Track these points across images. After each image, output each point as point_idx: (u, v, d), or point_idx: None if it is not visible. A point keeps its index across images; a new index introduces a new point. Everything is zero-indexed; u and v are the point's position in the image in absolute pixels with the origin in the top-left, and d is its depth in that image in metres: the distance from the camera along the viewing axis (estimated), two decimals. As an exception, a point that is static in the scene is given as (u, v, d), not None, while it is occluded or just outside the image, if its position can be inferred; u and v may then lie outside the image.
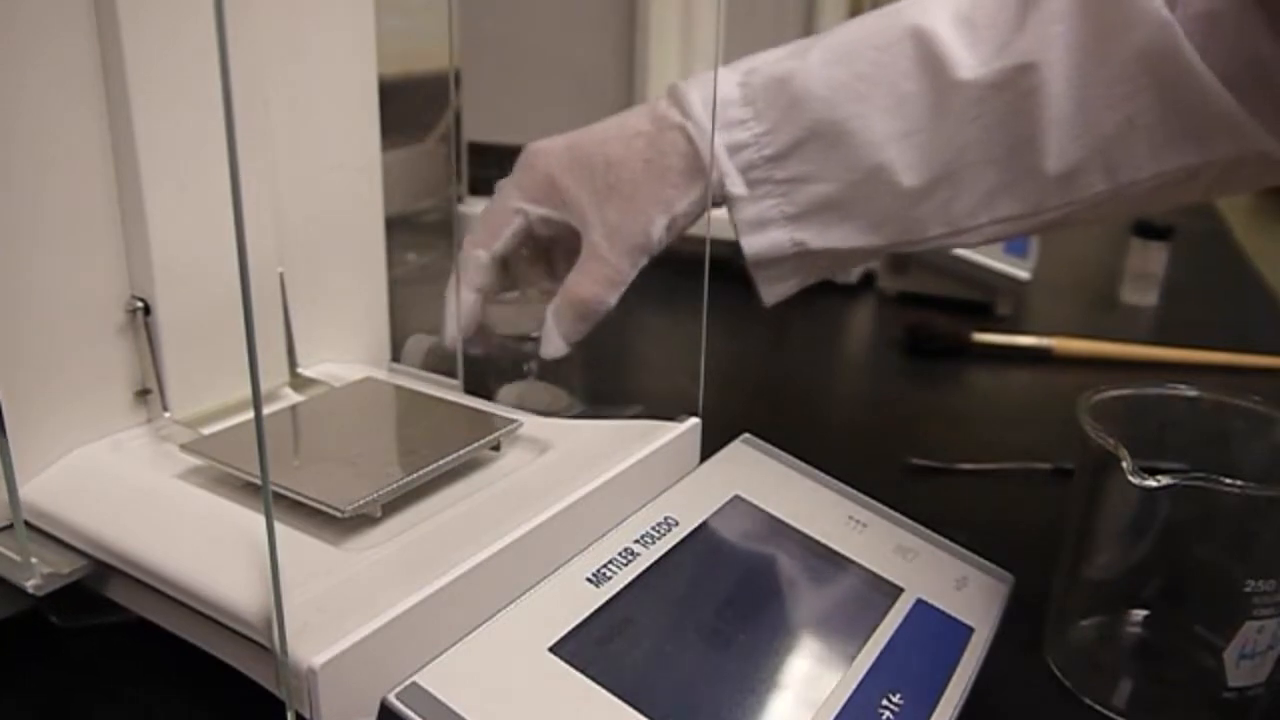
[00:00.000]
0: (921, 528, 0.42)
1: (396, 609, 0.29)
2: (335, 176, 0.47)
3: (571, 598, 0.33)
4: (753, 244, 0.48)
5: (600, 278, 0.47)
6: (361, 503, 0.35)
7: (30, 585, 0.34)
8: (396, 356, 0.53)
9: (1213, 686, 0.36)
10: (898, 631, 0.36)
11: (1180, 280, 0.89)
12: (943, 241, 0.47)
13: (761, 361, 0.76)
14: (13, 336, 0.36)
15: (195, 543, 0.34)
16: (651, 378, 0.72)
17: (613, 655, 0.31)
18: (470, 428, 0.41)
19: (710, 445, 0.43)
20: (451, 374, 0.48)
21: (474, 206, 0.88)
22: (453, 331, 0.49)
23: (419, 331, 0.55)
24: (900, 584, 0.38)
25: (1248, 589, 0.35)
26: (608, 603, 0.33)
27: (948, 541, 0.42)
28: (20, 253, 0.36)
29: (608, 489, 0.37)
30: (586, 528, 0.36)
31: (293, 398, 0.46)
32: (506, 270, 0.52)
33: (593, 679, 0.30)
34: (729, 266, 0.87)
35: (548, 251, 0.53)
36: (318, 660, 0.28)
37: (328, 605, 0.30)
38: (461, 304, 0.49)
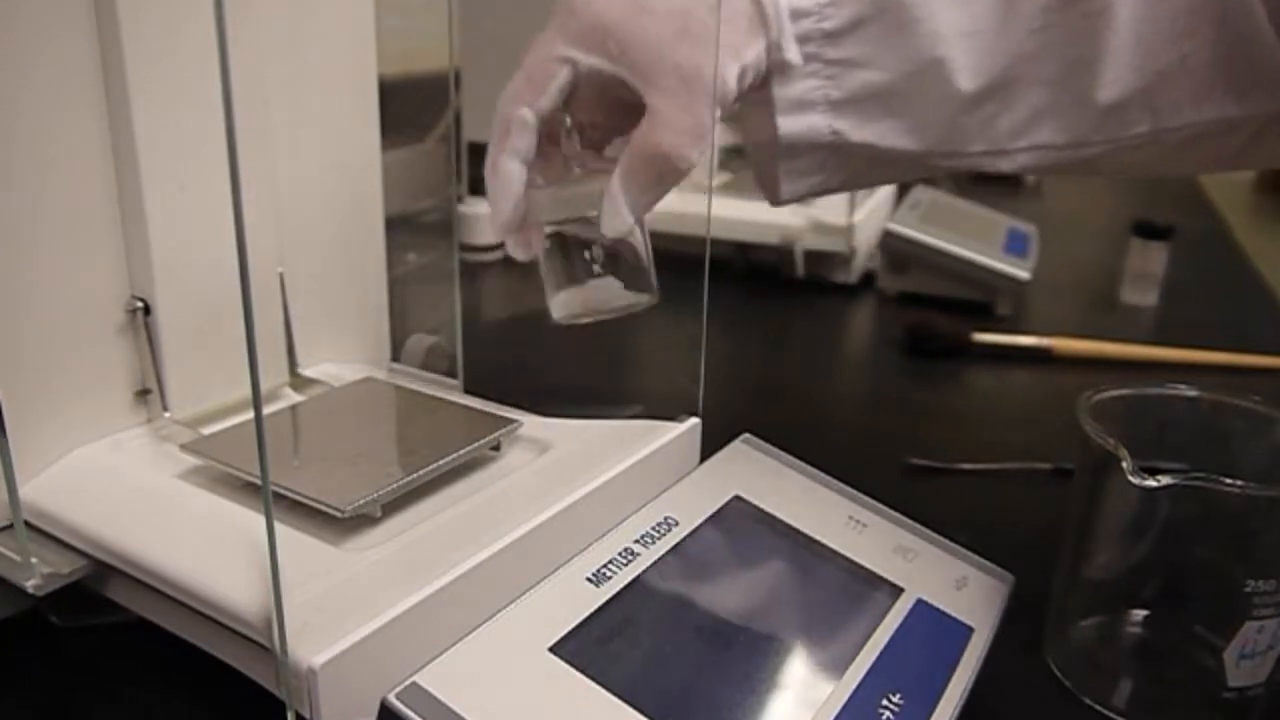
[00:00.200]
0: (921, 528, 0.42)
1: (396, 609, 0.29)
2: (335, 176, 0.47)
3: (571, 598, 0.33)
4: (788, 125, 0.45)
5: (682, 126, 0.41)
6: (361, 503, 0.35)
7: (30, 585, 0.34)
8: (396, 356, 0.53)
9: (1213, 686, 0.36)
10: (898, 631, 0.36)
11: (1180, 280, 0.89)
12: (978, 160, 0.46)
13: (761, 361, 0.76)
14: (13, 336, 0.36)
15: (195, 543, 0.34)
16: (651, 378, 0.72)
17: (613, 655, 0.31)
18: (470, 428, 0.41)
19: (710, 445, 0.43)
20: (451, 374, 0.48)
21: (474, 207, 0.88)
22: (507, 211, 0.41)
23: (419, 331, 0.55)
24: (900, 584, 0.38)
25: (1248, 589, 0.35)
26: (608, 603, 0.33)
27: (948, 541, 0.42)
28: (20, 253, 0.36)
29: (608, 489, 0.37)
30: (586, 528, 0.36)
31: (293, 398, 0.46)
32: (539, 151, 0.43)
33: (593, 679, 0.30)
34: (729, 266, 0.86)
35: (582, 124, 0.45)
36: (318, 660, 0.28)
37: (328, 605, 0.30)
38: (507, 176, 0.42)
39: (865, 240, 0.88)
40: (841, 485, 0.43)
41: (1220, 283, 1.01)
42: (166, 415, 0.41)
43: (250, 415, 0.31)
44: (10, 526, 0.35)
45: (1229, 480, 0.33)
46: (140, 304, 0.40)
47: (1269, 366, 0.72)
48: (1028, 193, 1.28)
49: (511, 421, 0.42)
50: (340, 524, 0.35)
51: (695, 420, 0.43)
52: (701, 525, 0.38)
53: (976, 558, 0.42)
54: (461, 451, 0.39)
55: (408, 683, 0.28)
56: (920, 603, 0.38)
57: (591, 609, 0.33)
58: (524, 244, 0.43)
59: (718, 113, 0.42)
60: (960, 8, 0.43)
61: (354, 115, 0.48)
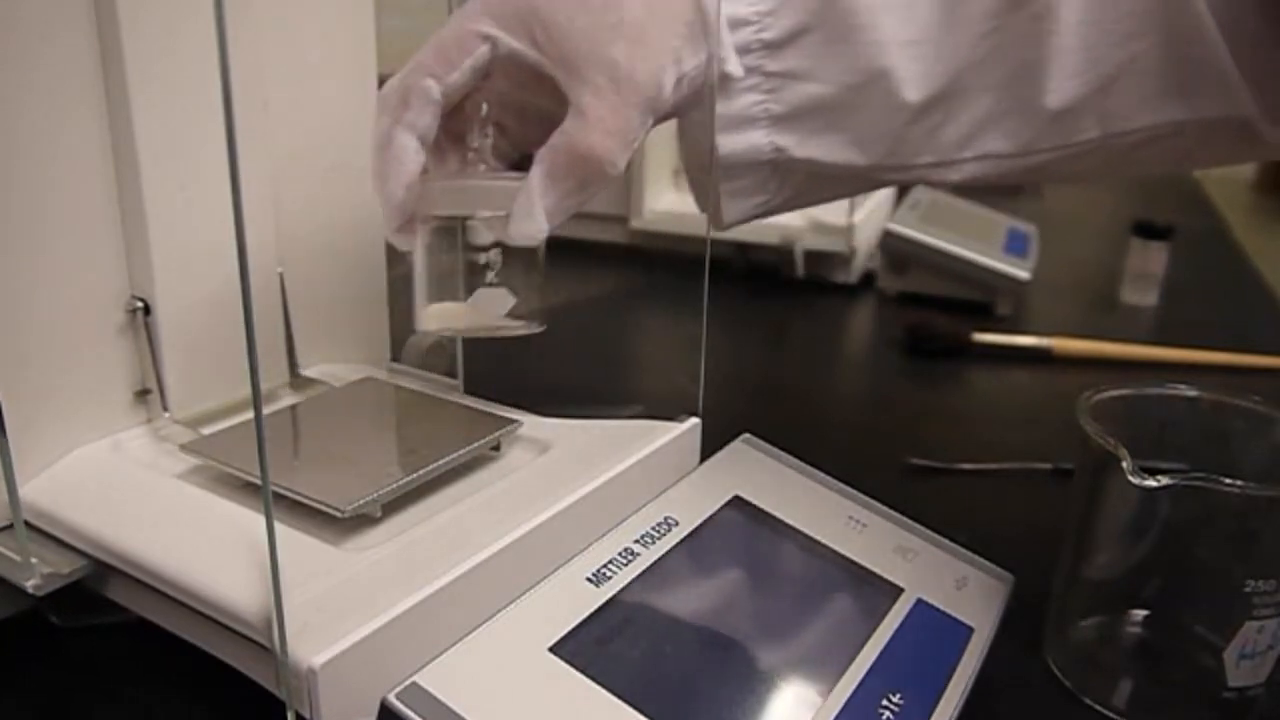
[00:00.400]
0: (921, 528, 0.42)
1: (396, 609, 0.30)
2: (335, 176, 0.47)
3: (571, 598, 0.33)
4: (729, 143, 0.43)
5: (610, 127, 0.37)
6: (361, 503, 0.35)
7: (30, 585, 0.34)
8: (396, 356, 0.53)
9: (1213, 686, 0.36)
10: (898, 631, 0.36)
11: (1180, 280, 0.89)
12: (925, 173, 0.45)
13: (761, 361, 0.76)
14: (13, 336, 0.36)
15: (195, 543, 0.34)
16: (651, 378, 0.72)
17: (613, 655, 0.31)
18: (470, 428, 0.41)
19: (710, 445, 0.43)
20: (451, 374, 0.48)
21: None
22: (399, 192, 0.37)
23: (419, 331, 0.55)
24: (900, 584, 0.38)
25: (1248, 589, 0.35)
26: (608, 603, 0.33)
27: (948, 541, 0.42)
28: (20, 253, 0.36)
29: (608, 489, 0.37)
30: (586, 528, 0.36)
31: (293, 398, 0.46)
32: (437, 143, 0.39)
33: (593, 679, 0.30)
34: (729, 266, 0.86)
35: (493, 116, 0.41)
36: (318, 660, 0.28)
37: (328, 605, 0.30)
38: (402, 150, 0.37)
39: (865, 240, 0.88)
40: (841, 485, 0.43)
41: (1220, 283, 1.00)
42: (166, 415, 0.41)
43: (250, 415, 0.31)
44: (10, 526, 0.35)
45: (1229, 480, 0.33)
46: (140, 304, 0.40)
47: (1269, 366, 0.72)
48: (1028, 193, 1.28)
49: (511, 421, 0.42)
50: (340, 524, 0.35)
51: (695, 420, 0.43)
52: (701, 525, 0.38)
53: (976, 558, 0.42)
54: (461, 451, 0.39)
55: (408, 683, 0.28)
56: (920, 603, 0.38)
57: (591, 609, 0.33)
58: (406, 235, 0.39)
59: (649, 121, 0.39)
60: (904, 15, 0.42)
61: (354, 115, 0.48)
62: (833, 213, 0.83)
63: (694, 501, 0.39)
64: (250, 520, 0.35)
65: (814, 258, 0.86)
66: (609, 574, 0.34)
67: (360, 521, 0.36)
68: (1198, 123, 0.42)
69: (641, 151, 0.81)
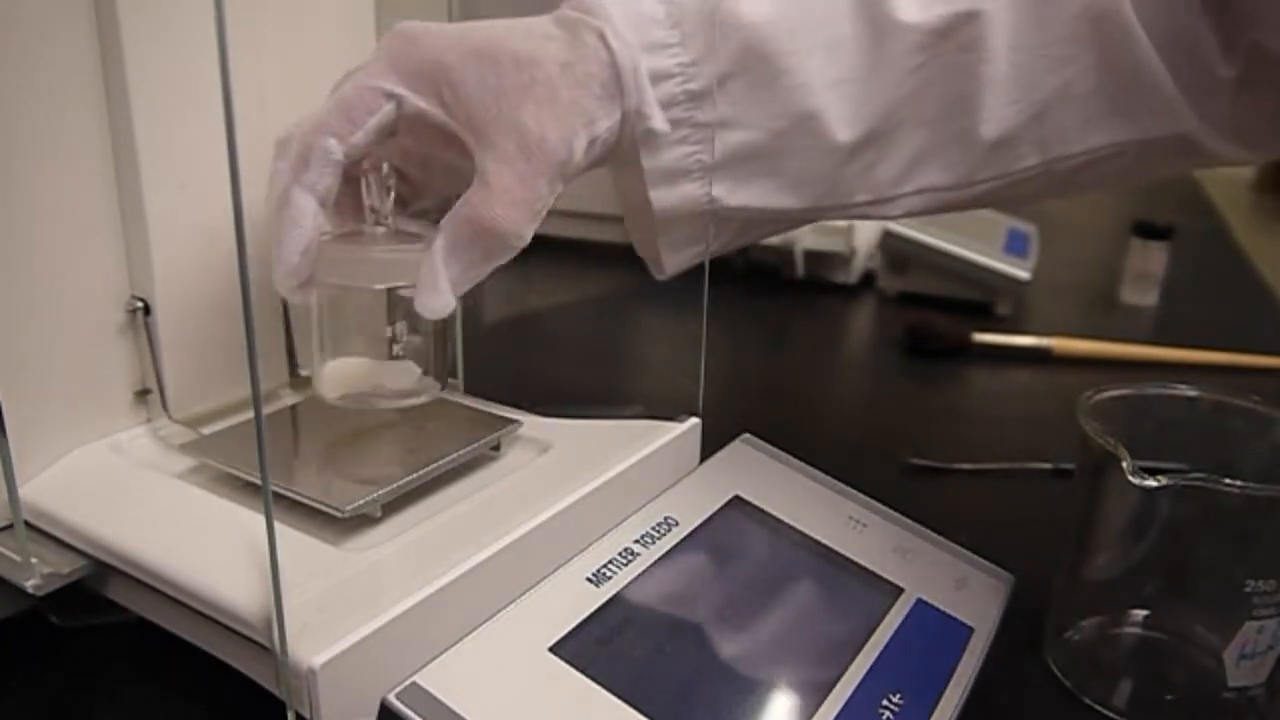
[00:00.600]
0: (921, 528, 0.42)
1: (396, 609, 0.30)
2: (335, 176, 0.47)
3: (571, 598, 0.33)
4: (663, 198, 0.42)
5: (516, 198, 0.36)
6: (361, 503, 0.35)
7: (30, 585, 0.34)
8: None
9: (1213, 686, 0.36)
10: (898, 631, 0.36)
11: (1180, 280, 0.89)
12: (863, 211, 0.44)
13: (761, 361, 0.76)
14: (13, 336, 0.36)
15: (195, 543, 0.34)
16: (651, 378, 0.72)
17: (613, 655, 0.31)
18: (470, 428, 0.41)
19: (710, 445, 0.43)
20: (451, 374, 0.48)
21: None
22: (294, 256, 0.35)
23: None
24: (900, 584, 0.38)
25: (1248, 589, 0.35)
26: (608, 603, 0.33)
27: (948, 541, 0.42)
28: (20, 253, 0.36)
29: (608, 489, 0.37)
30: (586, 528, 0.36)
31: (293, 398, 0.46)
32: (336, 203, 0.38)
33: (593, 679, 0.30)
34: (729, 266, 0.86)
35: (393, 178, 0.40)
36: (318, 660, 0.28)
37: (328, 605, 0.30)
38: (300, 211, 0.35)
39: (865, 240, 0.88)
40: (841, 485, 0.43)
41: (1220, 283, 1.01)
42: (166, 415, 0.41)
43: (250, 415, 0.31)
44: (10, 526, 0.35)
45: (1229, 480, 0.33)
46: (140, 304, 0.40)
47: (1269, 366, 0.72)
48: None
49: (511, 421, 0.42)
50: (340, 524, 0.35)
51: (695, 420, 0.43)
52: (701, 525, 0.38)
53: (976, 558, 0.42)
54: (461, 451, 0.39)
55: (408, 683, 0.28)
56: (920, 602, 0.38)
57: (591, 609, 0.33)
58: (303, 294, 0.37)
59: (558, 187, 0.37)
60: (828, 56, 0.41)
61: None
62: (833, 213, 0.83)
63: (694, 501, 0.39)
64: (250, 520, 0.35)
65: (814, 258, 0.86)
66: (609, 574, 0.34)
67: (360, 521, 0.36)
68: (1139, 141, 0.42)
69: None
